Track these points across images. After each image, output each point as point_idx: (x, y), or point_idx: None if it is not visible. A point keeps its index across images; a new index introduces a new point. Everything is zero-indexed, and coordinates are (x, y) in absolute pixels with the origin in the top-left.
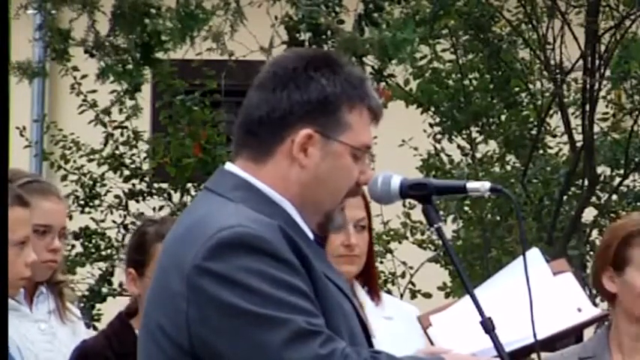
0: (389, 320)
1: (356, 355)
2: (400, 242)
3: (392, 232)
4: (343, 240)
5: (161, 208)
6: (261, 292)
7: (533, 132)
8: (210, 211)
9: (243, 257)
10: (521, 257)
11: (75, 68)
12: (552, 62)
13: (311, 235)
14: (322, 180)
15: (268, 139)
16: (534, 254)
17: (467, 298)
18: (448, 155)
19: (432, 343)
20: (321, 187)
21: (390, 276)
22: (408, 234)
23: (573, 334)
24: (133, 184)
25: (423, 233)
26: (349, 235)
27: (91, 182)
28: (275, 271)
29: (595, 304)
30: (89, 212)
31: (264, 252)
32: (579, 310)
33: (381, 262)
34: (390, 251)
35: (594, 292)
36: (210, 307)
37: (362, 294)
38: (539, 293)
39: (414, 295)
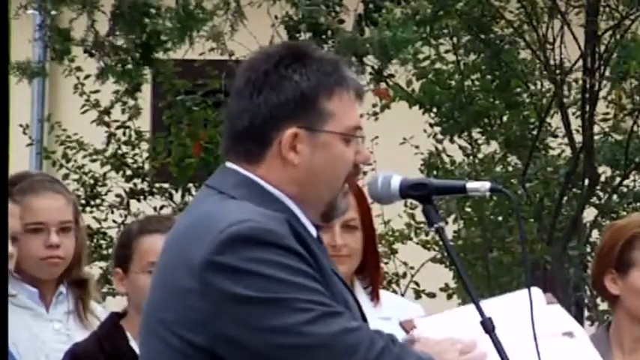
0: (385, 321)
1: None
2: (404, 243)
3: (397, 233)
4: (329, 240)
5: (162, 207)
6: (279, 279)
7: (534, 132)
8: (214, 208)
9: (256, 250)
10: (518, 294)
11: (78, 68)
12: (552, 62)
13: (314, 232)
14: (318, 173)
15: (256, 147)
16: (536, 294)
17: (456, 309)
18: (449, 155)
19: None
20: (319, 181)
21: (393, 277)
22: (412, 234)
23: None
24: (135, 184)
25: (427, 234)
26: (334, 235)
27: (92, 181)
28: (289, 261)
29: (596, 304)
30: (90, 211)
31: (276, 245)
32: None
33: (386, 263)
34: (395, 252)
35: (594, 292)
36: (226, 301)
37: (360, 293)
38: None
39: (418, 295)
